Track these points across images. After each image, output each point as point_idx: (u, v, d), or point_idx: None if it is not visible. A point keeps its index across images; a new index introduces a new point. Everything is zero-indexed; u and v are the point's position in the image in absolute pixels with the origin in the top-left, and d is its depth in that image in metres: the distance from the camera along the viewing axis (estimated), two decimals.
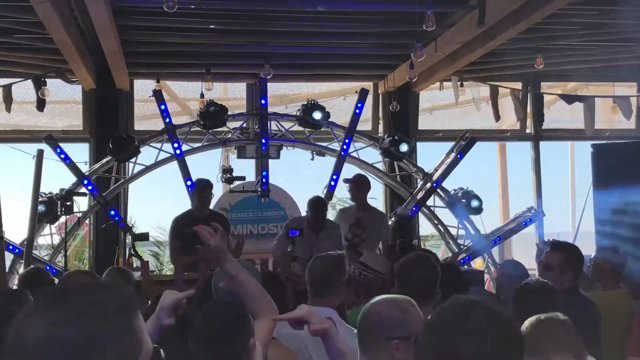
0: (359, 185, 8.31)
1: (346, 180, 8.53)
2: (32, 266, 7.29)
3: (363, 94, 9.84)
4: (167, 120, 9.33)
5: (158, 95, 9.37)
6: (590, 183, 8.19)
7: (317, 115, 9.45)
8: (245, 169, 9.96)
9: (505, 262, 7.88)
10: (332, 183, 9.58)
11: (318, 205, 7.68)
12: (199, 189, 7.79)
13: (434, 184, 9.69)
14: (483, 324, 1.85)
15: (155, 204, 15.07)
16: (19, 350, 1.33)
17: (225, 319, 2.80)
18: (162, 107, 9.32)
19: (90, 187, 9.05)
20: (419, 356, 1.95)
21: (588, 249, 7.07)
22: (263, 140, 9.44)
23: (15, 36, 8.47)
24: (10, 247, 8.42)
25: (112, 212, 9.17)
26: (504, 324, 1.89)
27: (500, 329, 1.87)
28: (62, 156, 9.00)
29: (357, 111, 9.76)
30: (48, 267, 8.77)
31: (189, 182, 9.05)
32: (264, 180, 9.30)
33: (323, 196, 9.02)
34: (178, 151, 9.26)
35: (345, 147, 9.68)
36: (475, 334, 1.83)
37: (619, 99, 10.68)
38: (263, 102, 9.50)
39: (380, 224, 8.13)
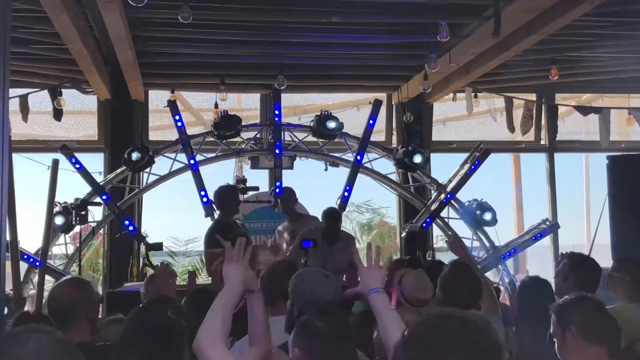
0: (285, 198, 8.33)
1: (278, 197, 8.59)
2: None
3: (377, 104, 9.83)
4: (184, 136, 9.37)
5: (173, 106, 9.39)
6: (605, 195, 8.12)
7: (331, 124, 9.45)
8: (259, 179, 9.98)
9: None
10: (346, 194, 9.56)
11: (333, 216, 7.65)
12: (235, 197, 7.80)
13: (445, 200, 9.65)
14: (457, 334, 1.83)
15: (169, 214, 15.11)
16: None
17: None
18: (179, 123, 9.37)
19: (105, 197, 9.06)
20: None
21: (604, 261, 7.01)
22: (277, 151, 9.45)
23: (32, 46, 8.53)
24: (31, 260, 8.42)
25: (127, 222, 9.17)
26: (479, 332, 1.86)
27: (475, 338, 1.84)
28: (78, 166, 9.03)
29: (371, 121, 9.75)
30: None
31: (202, 193, 9.08)
32: (277, 190, 9.28)
33: (337, 207, 9.00)
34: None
35: (359, 157, 9.68)
36: (449, 345, 1.81)
37: (634, 110, 10.62)
38: (277, 112, 9.53)
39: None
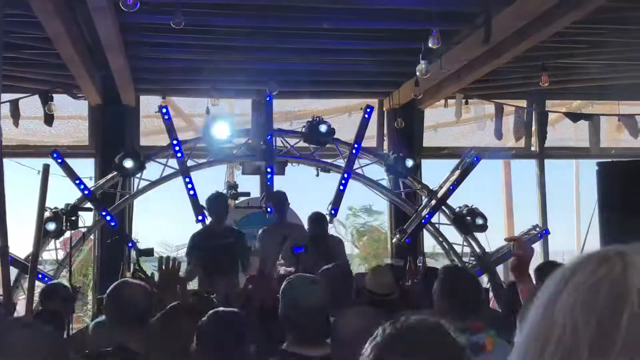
0: (283, 201, 8.24)
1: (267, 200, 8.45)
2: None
3: (367, 110, 9.80)
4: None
5: (166, 119, 9.25)
6: (595, 201, 8.16)
7: (322, 128, 9.40)
8: (251, 185, 9.96)
9: None
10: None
11: (318, 220, 7.65)
12: (222, 203, 7.75)
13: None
14: (422, 341, 1.87)
15: (159, 219, 15.08)
16: None
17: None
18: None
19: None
20: None
21: None
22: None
23: (23, 51, 8.51)
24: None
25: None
26: (441, 334, 1.91)
27: (439, 343, 1.89)
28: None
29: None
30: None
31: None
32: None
33: (327, 213, 8.97)
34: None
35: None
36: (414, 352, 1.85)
37: (624, 117, 10.69)
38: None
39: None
